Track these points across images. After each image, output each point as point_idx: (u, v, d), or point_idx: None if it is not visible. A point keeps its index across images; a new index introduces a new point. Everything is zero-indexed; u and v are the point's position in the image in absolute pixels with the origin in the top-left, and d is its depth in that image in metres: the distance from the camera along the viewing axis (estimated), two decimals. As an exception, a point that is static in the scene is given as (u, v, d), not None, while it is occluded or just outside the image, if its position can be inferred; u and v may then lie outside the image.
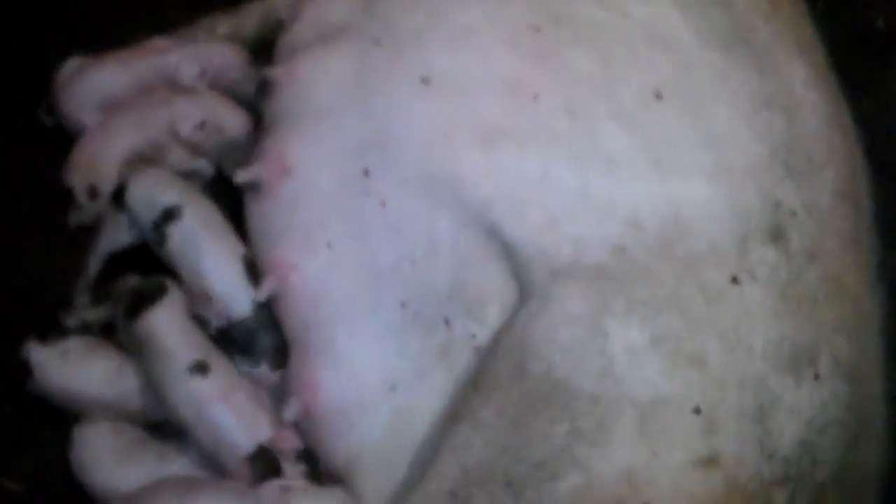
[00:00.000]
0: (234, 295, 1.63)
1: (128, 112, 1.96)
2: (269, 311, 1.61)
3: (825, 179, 1.56)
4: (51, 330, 1.76)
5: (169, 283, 1.69)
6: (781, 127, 1.57)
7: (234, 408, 1.57)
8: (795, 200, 1.52)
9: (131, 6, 2.21)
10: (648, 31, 1.62)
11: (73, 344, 1.73)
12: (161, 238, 1.69)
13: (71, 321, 1.79)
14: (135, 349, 1.67)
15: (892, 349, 1.58)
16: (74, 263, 1.87)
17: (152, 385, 1.65)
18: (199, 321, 1.66)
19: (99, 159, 1.94)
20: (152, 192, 1.74)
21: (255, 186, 1.66)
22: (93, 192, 1.91)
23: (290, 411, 1.53)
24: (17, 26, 2.18)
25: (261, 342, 1.62)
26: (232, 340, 1.63)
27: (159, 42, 2.04)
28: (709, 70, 1.60)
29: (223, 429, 1.57)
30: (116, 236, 1.80)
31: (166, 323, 1.64)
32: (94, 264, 1.82)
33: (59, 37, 2.17)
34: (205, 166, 1.95)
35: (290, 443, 1.56)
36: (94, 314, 1.79)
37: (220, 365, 1.61)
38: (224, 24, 2.16)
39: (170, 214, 1.70)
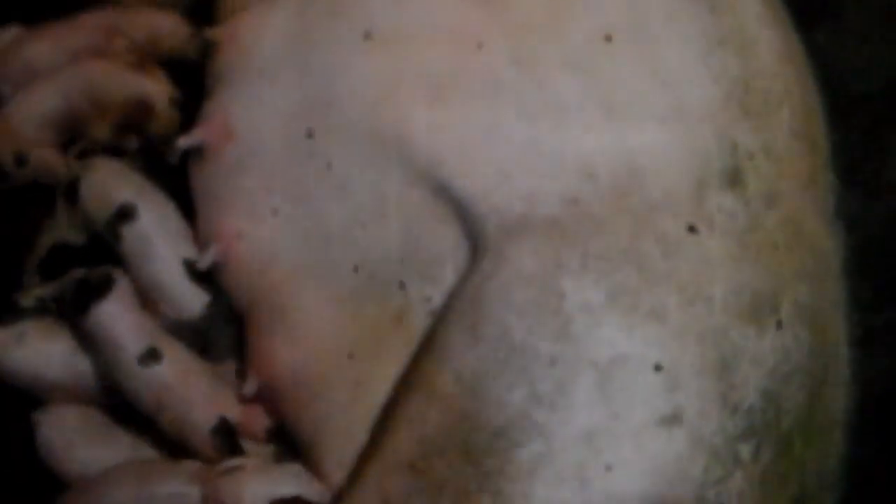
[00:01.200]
0: (183, 296, 1.61)
1: (53, 80, 1.91)
2: (220, 309, 1.59)
3: (781, 119, 1.51)
4: (4, 311, 1.72)
5: (115, 273, 1.64)
6: (736, 66, 1.52)
7: (193, 388, 1.56)
8: (753, 142, 1.47)
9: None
10: (596, -30, 1.56)
11: (30, 325, 1.69)
12: (115, 237, 1.65)
13: (25, 302, 1.74)
14: (86, 341, 1.64)
15: (851, 291, 1.56)
16: (23, 241, 1.83)
17: (108, 376, 1.62)
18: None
19: (21, 126, 1.90)
20: (107, 189, 1.69)
21: (198, 152, 1.62)
22: (19, 160, 1.87)
23: (249, 387, 1.51)
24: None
25: (215, 342, 1.60)
26: (188, 343, 1.60)
27: (96, 15, 1.98)
28: (659, 9, 1.54)
29: (185, 410, 1.55)
30: (69, 231, 1.76)
31: (114, 316, 1.59)
32: (42, 248, 1.77)
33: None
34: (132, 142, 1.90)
35: (257, 420, 1.54)
36: (46, 292, 1.76)
37: (174, 349, 1.59)
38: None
39: (124, 213, 1.65)
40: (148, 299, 1.63)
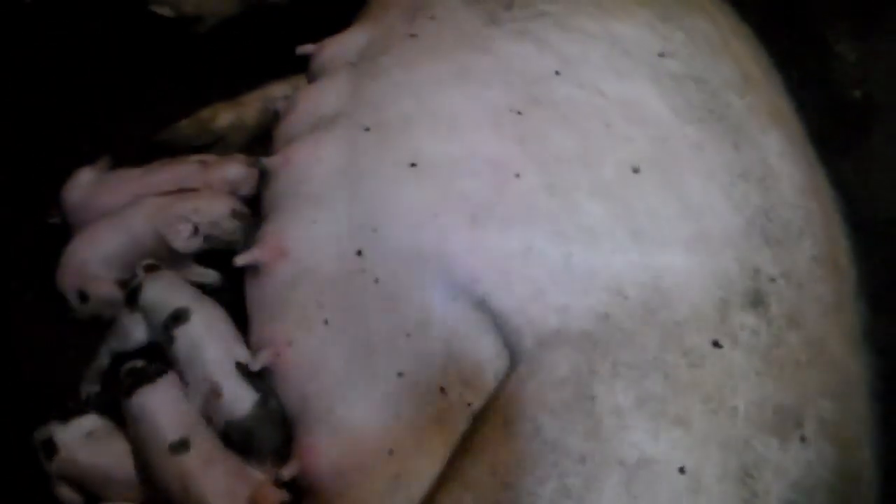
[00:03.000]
0: (235, 395, 1.67)
1: (115, 221, 2.03)
2: (267, 411, 1.65)
3: (803, 246, 1.60)
4: (67, 409, 1.81)
5: (169, 369, 1.75)
6: (757, 197, 1.63)
7: (213, 478, 1.62)
8: (774, 267, 1.56)
9: (133, 103, 2.30)
10: (625, 108, 1.70)
11: (93, 422, 1.79)
12: (169, 339, 1.77)
13: (87, 394, 1.87)
14: (129, 426, 1.73)
15: (883, 414, 1.58)
16: (82, 352, 1.93)
17: (141, 461, 1.70)
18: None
19: (85, 264, 2.01)
20: (164, 295, 1.83)
21: (255, 269, 1.72)
22: (83, 296, 1.99)
23: (289, 470, 1.57)
24: (27, 126, 2.28)
25: (259, 442, 1.65)
26: (231, 441, 1.67)
27: (168, 171, 2.12)
28: (685, 143, 1.67)
29: (205, 498, 1.61)
30: (129, 337, 1.86)
31: (159, 402, 1.70)
32: (104, 357, 1.87)
33: (65, 134, 2.27)
34: (213, 278, 2.03)
35: (272, 498, 1.60)
36: (101, 399, 1.85)
37: (202, 440, 1.66)
38: (225, 114, 2.25)
39: (178, 317, 1.77)
40: (202, 400, 1.71)
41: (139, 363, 1.78)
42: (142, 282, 1.86)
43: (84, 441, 1.77)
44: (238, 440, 1.66)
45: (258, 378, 1.68)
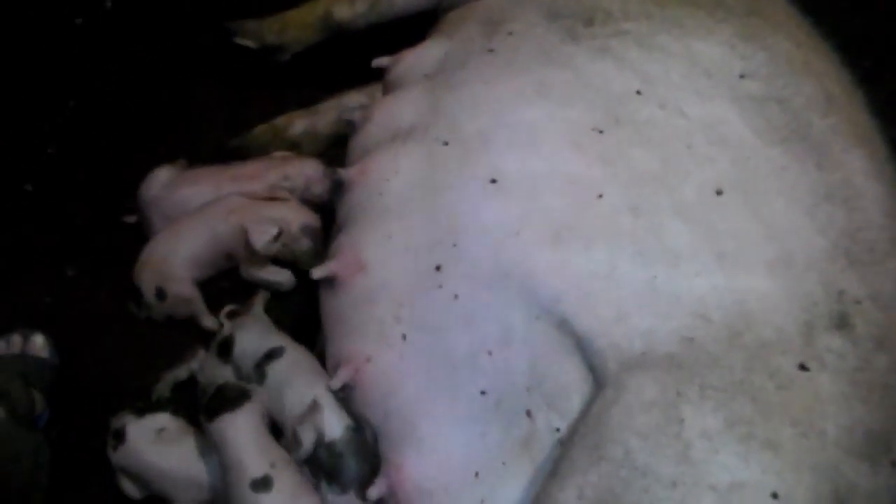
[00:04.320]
0: (332, 417, 1.67)
1: (197, 218, 2.05)
2: (359, 440, 1.64)
3: (889, 268, 1.57)
4: (144, 405, 1.86)
5: (252, 391, 1.76)
6: (842, 218, 1.60)
7: None
8: (859, 289, 1.54)
9: (210, 110, 2.33)
10: (707, 129, 1.69)
11: (166, 422, 1.83)
12: (261, 375, 1.78)
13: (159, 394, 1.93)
14: (212, 448, 1.74)
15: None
16: (153, 354, 1.96)
17: (222, 485, 1.70)
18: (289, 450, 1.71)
19: (167, 262, 2.02)
20: (256, 342, 1.84)
21: (330, 282, 1.72)
22: (160, 293, 2.00)
23: (376, 490, 1.56)
24: (105, 128, 2.31)
25: (348, 468, 1.63)
26: (320, 464, 1.65)
27: (250, 166, 2.14)
28: (767, 165, 1.65)
29: None
30: (215, 378, 1.87)
31: (240, 431, 1.70)
32: (183, 372, 1.88)
33: (142, 136, 2.31)
34: (286, 277, 2.06)
35: None
36: (168, 406, 1.87)
37: (285, 479, 1.66)
38: (299, 122, 2.26)
39: (272, 355, 1.79)
40: (288, 422, 1.71)
41: (221, 382, 1.81)
42: (233, 333, 1.88)
43: (153, 438, 1.80)
44: (326, 464, 1.64)
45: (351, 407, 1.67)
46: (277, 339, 1.82)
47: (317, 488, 1.66)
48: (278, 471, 1.66)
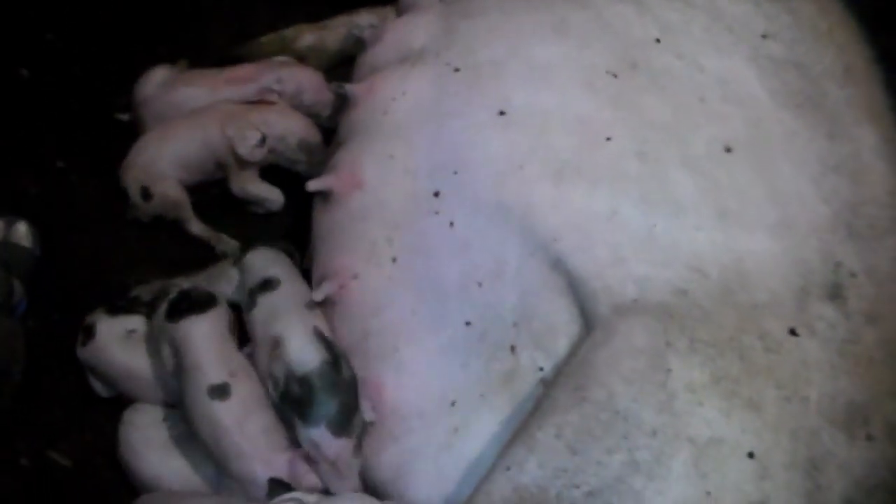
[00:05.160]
0: (303, 350, 1.59)
1: (189, 121, 2.02)
2: (337, 377, 1.57)
3: (887, 246, 1.57)
4: (117, 305, 1.82)
5: (219, 298, 1.73)
6: (846, 190, 1.60)
7: (247, 437, 1.58)
8: (856, 262, 1.53)
9: (217, 14, 2.29)
10: (723, 85, 1.67)
11: (137, 324, 1.79)
12: (252, 303, 1.72)
13: (138, 296, 1.87)
14: (164, 344, 1.70)
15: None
16: (140, 251, 1.96)
17: (179, 387, 1.67)
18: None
19: (153, 162, 1.99)
20: (263, 263, 1.79)
21: (325, 195, 1.70)
22: (145, 193, 1.97)
23: (369, 414, 1.56)
24: (107, 21, 2.27)
25: (321, 403, 1.55)
26: (293, 398, 1.57)
27: (245, 68, 2.11)
28: (779, 128, 1.63)
29: (236, 456, 1.58)
30: (217, 285, 1.86)
31: (204, 335, 1.67)
32: (176, 286, 1.84)
33: (145, 35, 2.27)
34: (276, 195, 2.05)
35: (306, 478, 1.57)
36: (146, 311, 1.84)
37: (242, 389, 1.62)
38: (308, 35, 2.23)
39: (267, 285, 1.73)
40: (269, 353, 1.64)
41: (189, 285, 1.78)
42: (253, 248, 1.85)
43: (122, 337, 1.77)
44: (296, 395, 1.57)
45: (334, 348, 1.60)
46: (277, 271, 1.77)
47: (291, 426, 1.59)
48: (237, 381, 1.63)
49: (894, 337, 1.51)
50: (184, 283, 1.85)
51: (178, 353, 1.66)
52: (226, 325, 1.71)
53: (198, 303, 1.70)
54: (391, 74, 1.78)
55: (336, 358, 1.58)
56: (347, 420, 1.54)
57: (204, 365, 1.63)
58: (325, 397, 1.55)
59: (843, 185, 1.60)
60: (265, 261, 1.79)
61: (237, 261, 1.85)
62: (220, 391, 1.60)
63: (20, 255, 1.95)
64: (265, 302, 1.70)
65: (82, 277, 1.98)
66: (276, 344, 1.62)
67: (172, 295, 1.74)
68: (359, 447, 1.55)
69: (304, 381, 1.56)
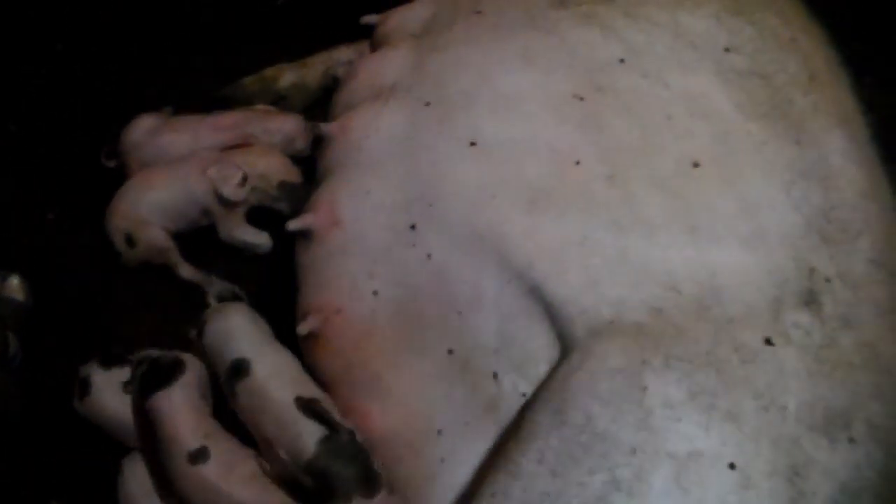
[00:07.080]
0: (298, 437, 1.57)
1: (170, 170, 2.05)
2: (336, 445, 1.55)
3: (860, 248, 1.58)
4: (111, 356, 1.84)
5: (187, 360, 1.74)
6: (817, 196, 1.61)
7: (237, 488, 1.59)
8: (830, 267, 1.55)
9: (200, 58, 2.33)
10: (688, 101, 1.69)
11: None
12: (232, 394, 1.69)
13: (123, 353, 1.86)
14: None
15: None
16: (130, 302, 1.99)
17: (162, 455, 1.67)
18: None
19: (136, 207, 2.02)
20: (225, 341, 1.74)
21: (306, 234, 1.73)
22: (130, 240, 2.00)
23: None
24: (97, 69, 2.31)
25: (339, 477, 1.52)
26: (313, 492, 1.55)
27: (231, 116, 2.14)
28: (747, 140, 1.65)
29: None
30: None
31: (175, 407, 1.67)
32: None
33: (131, 80, 2.30)
34: (264, 239, 2.08)
35: None
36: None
37: (220, 447, 1.63)
38: (289, 74, 2.27)
39: (238, 370, 1.69)
40: (263, 449, 1.64)
41: (155, 354, 1.76)
42: (206, 319, 1.80)
43: (117, 391, 1.79)
44: (317, 483, 1.54)
45: (324, 415, 1.59)
46: (247, 347, 1.71)
47: None
48: (213, 440, 1.63)
49: (871, 339, 1.51)
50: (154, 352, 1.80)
51: (154, 423, 1.68)
52: (195, 388, 1.71)
53: (166, 372, 1.70)
54: (364, 112, 1.81)
55: (329, 422, 1.57)
56: (371, 473, 1.53)
57: (179, 435, 1.64)
58: (340, 469, 1.53)
59: (813, 190, 1.62)
60: (224, 336, 1.75)
61: (199, 334, 1.80)
62: (200, 455, 1.61)
63: (14, 309, 1.98)
64: (243, 392, 1.67)
65: (77, 327, 2.01)
66: (269, 444, 1.61)
67: (142, 368, 1.74)
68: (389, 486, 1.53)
69: (311, 466, 1.55)
